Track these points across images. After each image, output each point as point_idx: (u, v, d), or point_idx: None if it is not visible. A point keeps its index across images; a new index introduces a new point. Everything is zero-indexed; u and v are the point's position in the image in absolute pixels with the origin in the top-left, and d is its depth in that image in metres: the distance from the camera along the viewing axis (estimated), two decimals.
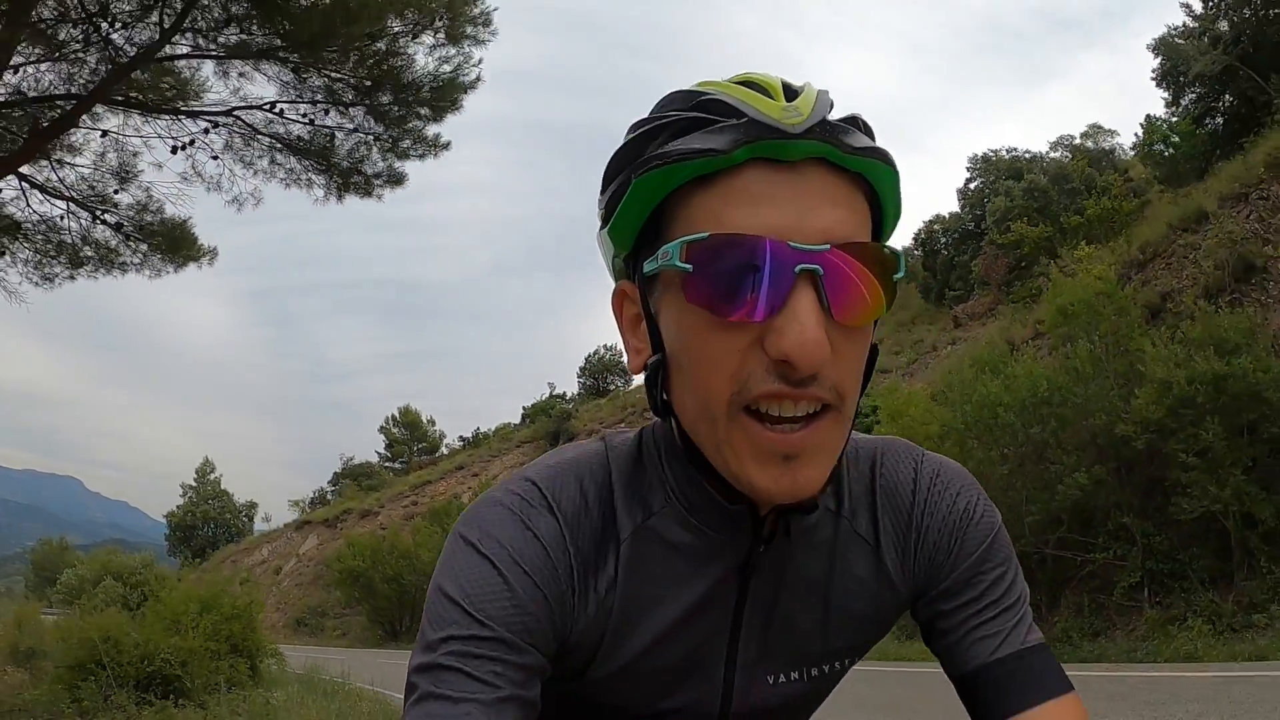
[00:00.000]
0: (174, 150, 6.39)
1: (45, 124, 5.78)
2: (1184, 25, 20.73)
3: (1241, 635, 8.69)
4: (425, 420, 47.20)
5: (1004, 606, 0.84)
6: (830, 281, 0.67)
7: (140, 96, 6.05)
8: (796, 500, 0.72)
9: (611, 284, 0.81)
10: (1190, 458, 9.02)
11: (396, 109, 6.25)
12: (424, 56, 6.29)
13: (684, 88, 0.75)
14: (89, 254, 7.77)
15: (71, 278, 8.10)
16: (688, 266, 0.66)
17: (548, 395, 48.15)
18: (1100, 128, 29.07)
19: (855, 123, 0.71)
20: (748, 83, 0.71)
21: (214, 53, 5.88)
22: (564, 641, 0.78)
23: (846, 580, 0.85)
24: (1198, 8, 19.85)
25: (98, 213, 7.20)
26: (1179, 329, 10.13)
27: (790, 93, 0.70)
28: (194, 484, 47.11)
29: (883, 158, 0.71)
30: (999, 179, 26.55)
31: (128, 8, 5.62)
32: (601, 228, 0.77)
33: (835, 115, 0.70)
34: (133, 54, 5.80)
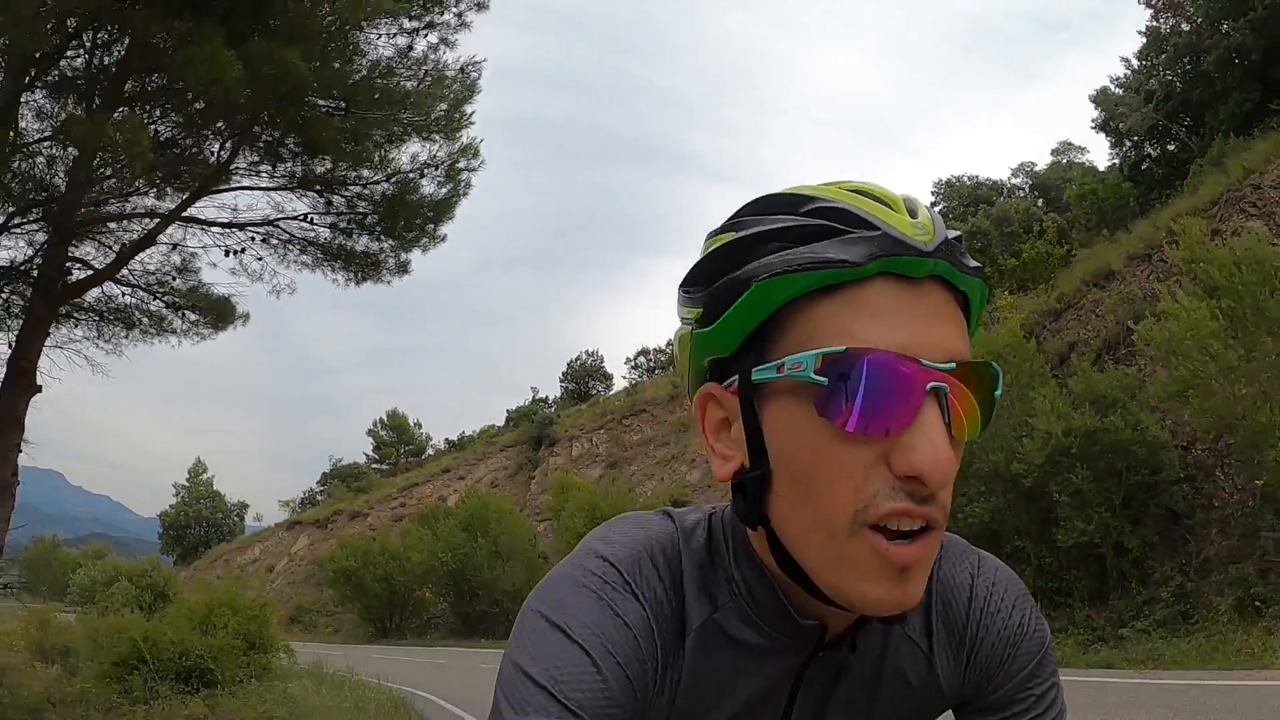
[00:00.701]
0: (226, 254, 7.96)
1: (135, 239, 7.36)
2: (1123, 76, 22.49)
3: (1096, 648, 10.44)
4: (412, 423, 48.60)
5: None
6: (954, 399, 0.67)
7: (202, 215, 7.62)
8: (901, 613, 0.70)
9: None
10: (1064, 497, 10.74)
11: (406, 227, 7.82)
12: (429, 185, 7.88)
13: (787, 190, 0.74)
14: (143, 321, 9.30)
15: (125, 337, 9.65)
16: (823, 380, 0.65)
17: (530, 400, 49.53)
18: (1071, 144, 30.32)
19: (961, 241, 0.71)
20: (863, 192, 0.71)
21: (263, 186, 7.45)
22: None
23: (895, 682, 0.84)
24: (1138, 61, 21.57)
25: (157, 294, 8.74)
26: (1066, 384, 11.83)
27: (910, 207, 0.70)
28: (186, 484, 48.43)
29: (984, 277, 0.72)
30: (962, 206, 27.85)
31: (197, 153, 7.18)
32: (699, 327, 0.73)
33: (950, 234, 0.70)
34: (196, 185, 7.37)
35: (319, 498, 46.07)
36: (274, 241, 8.35)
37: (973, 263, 0.71)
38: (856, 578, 0.68)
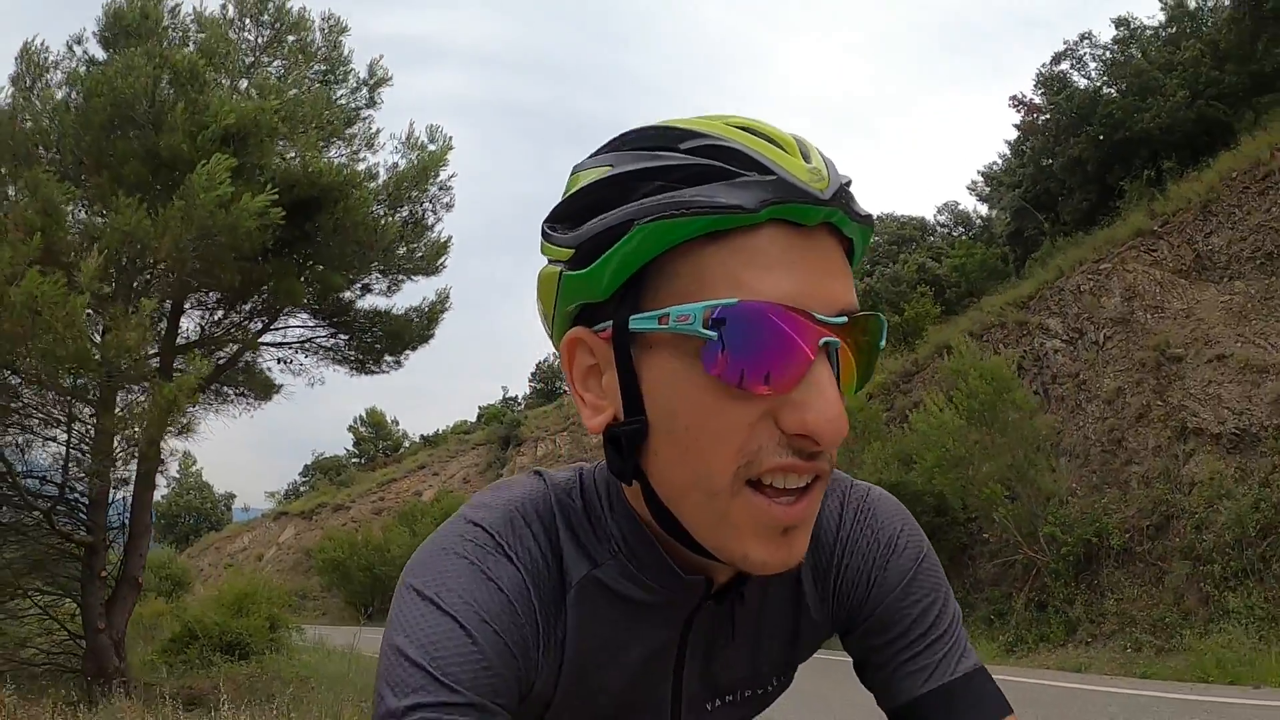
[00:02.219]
0: (278, 361, 11.83)
1: (224, 360, 11.16)
2: (999, 162, 26.28)
3: None
4: (390, 420, 52.11)
5: (933, 638, 0.83)
6: (841, 353, 0.66)
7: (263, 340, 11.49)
8: (787, 570, 0.69)
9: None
10: None
11: (399, 346, 11.80)
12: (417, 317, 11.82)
13: (663, 123, 0.69)
14: (210, 399, 12.99)
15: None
16: (712, 334, 0.62)
17: (501, 399, 53.06)
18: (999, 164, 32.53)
19: (850, 185, 0.69)
20: (751, 130, 0.67)
21: (304, 325, 11.46)
22: (525, 695, 0.74)
23: (772, 612, 0.85)
24: (1010, 152, 25.35)
25: (223, 382, 12.46)
26: (886, 442, 15.75)
27: (803, 149, 0.67)
28: (177, 476, 51.69)
29: (873, 224, 0.70)
30: (888, 244, 30.52)
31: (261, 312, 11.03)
32: (569, 269, 0.68)
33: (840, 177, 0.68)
34: (262, 325, 11.19)
35: (302, 490, 49.45)
36: (309, 349, 12.13)
37: (863, 210, 0.68)
38: (738, 537, 0.67)
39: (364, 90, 11.76)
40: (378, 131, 11.43)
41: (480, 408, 51.84)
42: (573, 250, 0.68)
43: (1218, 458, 12.09)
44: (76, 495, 9.93)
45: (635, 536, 0.76)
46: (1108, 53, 22.49)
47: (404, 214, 11.14)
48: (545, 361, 57.37)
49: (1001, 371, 13.05)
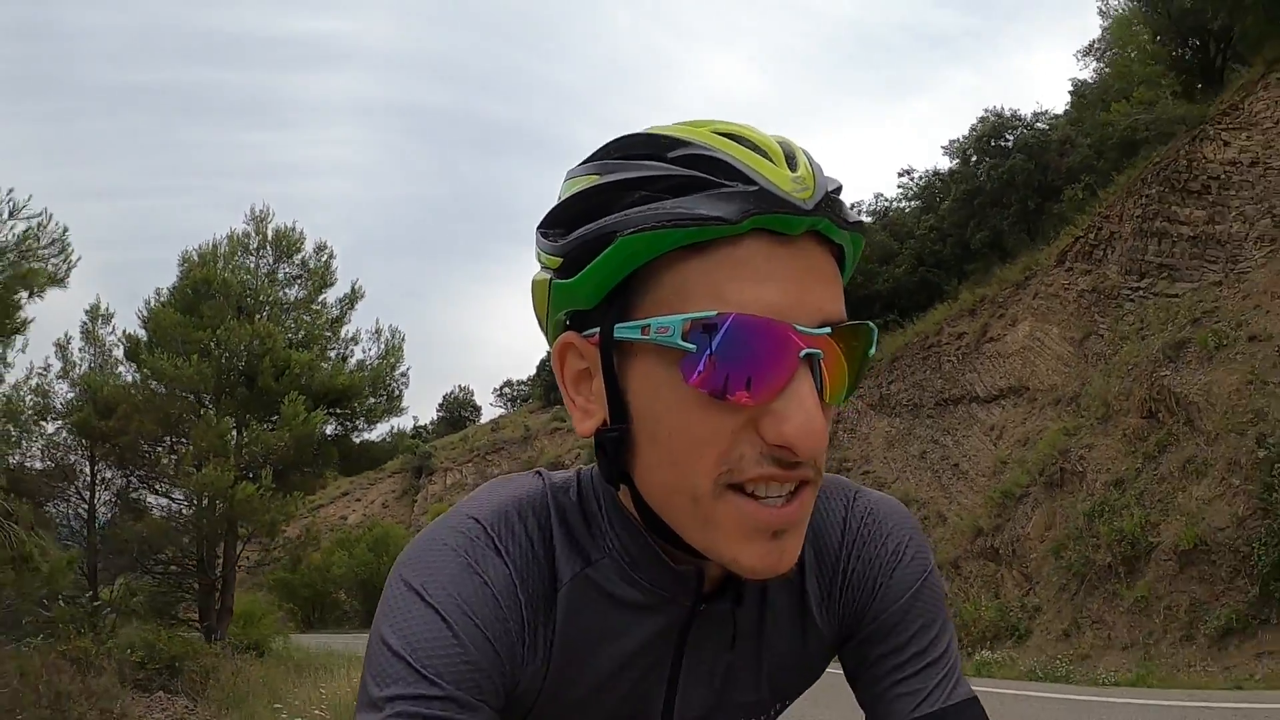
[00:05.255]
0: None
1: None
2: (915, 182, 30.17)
3: None
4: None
5: (930, 659, 0.81)
6: (826, 364, 0.66)
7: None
8: (779, 575, 0.69)
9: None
10: None
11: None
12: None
13: (651, 131, 0.70)
14: None
15: None
16: (691, 346, 0.63)
17: (412, 428, 57.97)
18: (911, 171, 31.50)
19: (840, 192, 0.69)
20: (736, 137, 0.68)
21: None
22: (510, 693, 0.74)
23: (775, 625, 0.83)
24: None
25: None
26: None
27: (789, 156, 0.67)
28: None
29: (863, 230, 0.70)
30: None
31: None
32: (559, 277, 0.70)
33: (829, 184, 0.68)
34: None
35: None
36: None
37: (852, 217, 0.68)
38: (727, 540, 0.67)
39: (347, 301, 19.20)
40: (359, 331, 18.82)
41: (393, 433, 57.30)
42: (561, 259, 0.70)
43: None
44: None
45: (629, 535, 0.75)
46: (880, 202, 29.86)
47: (381, 395, 18.78)
48: (451, 394, 63.68)
49: None
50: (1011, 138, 24.96)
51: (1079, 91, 25.27)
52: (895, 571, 0.84)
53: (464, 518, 0.76)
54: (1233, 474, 11.78)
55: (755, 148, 0.67)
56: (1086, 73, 25.76)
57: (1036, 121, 25.35)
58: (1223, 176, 16.52)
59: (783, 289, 0.64)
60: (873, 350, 0.70)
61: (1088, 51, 25.02)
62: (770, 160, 0.66)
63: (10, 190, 9.31)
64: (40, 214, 10.67)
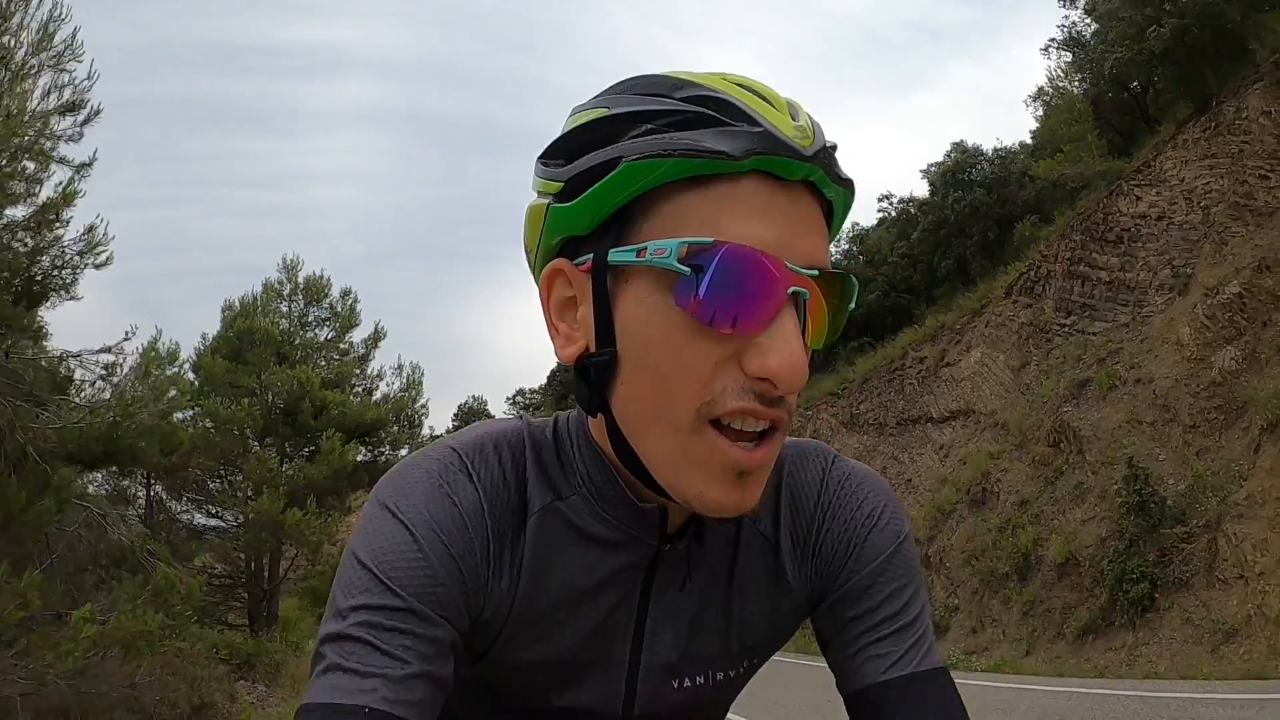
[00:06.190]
0: None
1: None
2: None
3: None
4: None
5: (901, 623, 0.81)
6: (810, 306, 0.68)
7: None
8: (740, 515, 0.71)
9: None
10: None
11: None
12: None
13: (654, 73, 0.73)
14: None
15: None
16: (685, 269, 0.65)
17: (429, 437, 60.31)
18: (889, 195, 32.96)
19: (836, 150, 0.71)
20: (745, 86, 0.70)
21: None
22: (475, 618, 0.76)
23: (747, 580, 0.84)
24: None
25: None
26: None
27: (793, 109, 0.70)
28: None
29: (852, 188, 0.72)
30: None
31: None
32: (557, 202, 0.71)
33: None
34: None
35: None
36: None
37: (845, 174, 0.71)
38: (694, 476, 0.68)
39: (371, 340, 21.86)
40: (383, 368, 21.39)
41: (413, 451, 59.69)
42: (561, 184, 0.71)
43: None
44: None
45: (599, 470, 0.77)
46: (856, 228, 31.69)
47: (404, 424, 21.49)
48: (465, 404, 65.54)
49: None
50: (975, 174, 27.24)
51: (1035, 133, 27.53)
52: (870, 535, 0.84)
53: (443, 448, 0.79)
54: (1103, 501, 14.21)
55: (762, 96, 0.70)
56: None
57: (999, 156, 27.70)
58: (1133, 229, 18.85)
59: (777, 228, 0.66)
60: (851, 304, 0.72)
61: (1036, 97, 27.26)
62: (775, 108, 0.69)
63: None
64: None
